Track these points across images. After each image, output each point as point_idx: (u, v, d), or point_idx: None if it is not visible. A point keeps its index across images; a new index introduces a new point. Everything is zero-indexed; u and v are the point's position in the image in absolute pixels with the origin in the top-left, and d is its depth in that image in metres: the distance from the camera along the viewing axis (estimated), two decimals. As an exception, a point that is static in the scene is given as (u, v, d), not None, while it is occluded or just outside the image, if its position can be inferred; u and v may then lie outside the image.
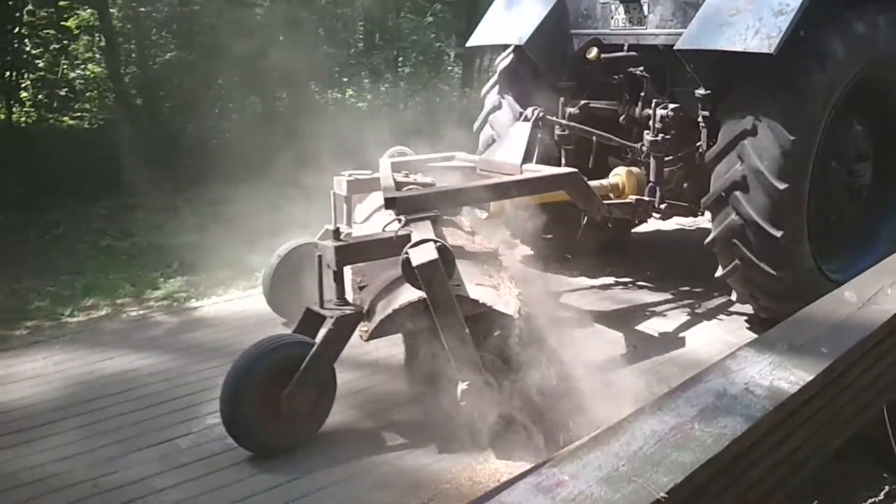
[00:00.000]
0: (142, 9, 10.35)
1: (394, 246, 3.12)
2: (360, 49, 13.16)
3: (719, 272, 4.35)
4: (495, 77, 5.37)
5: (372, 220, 3.97)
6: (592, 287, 5.32)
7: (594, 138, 4.84)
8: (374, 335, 3.14)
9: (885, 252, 3.50)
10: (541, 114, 4.51)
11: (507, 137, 4.54)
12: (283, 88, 11.43)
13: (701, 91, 4.29)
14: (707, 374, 1.87)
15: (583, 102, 5.05)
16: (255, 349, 3.13)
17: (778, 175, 3.87)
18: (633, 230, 6.08)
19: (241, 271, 5.73)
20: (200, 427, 3.48)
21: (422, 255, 2.93)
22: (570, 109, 4.98)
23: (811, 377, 1.89)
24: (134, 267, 6.09)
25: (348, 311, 3.21)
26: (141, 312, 5.06)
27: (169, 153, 8.89)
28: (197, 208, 7.74)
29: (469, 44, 5.69)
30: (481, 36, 5.40)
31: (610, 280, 5.47)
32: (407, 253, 2.97)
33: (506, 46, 5.20)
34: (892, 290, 2.38)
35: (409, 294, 3.06)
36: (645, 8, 4.68)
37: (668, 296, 5.20)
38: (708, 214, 4.44)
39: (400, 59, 13.45)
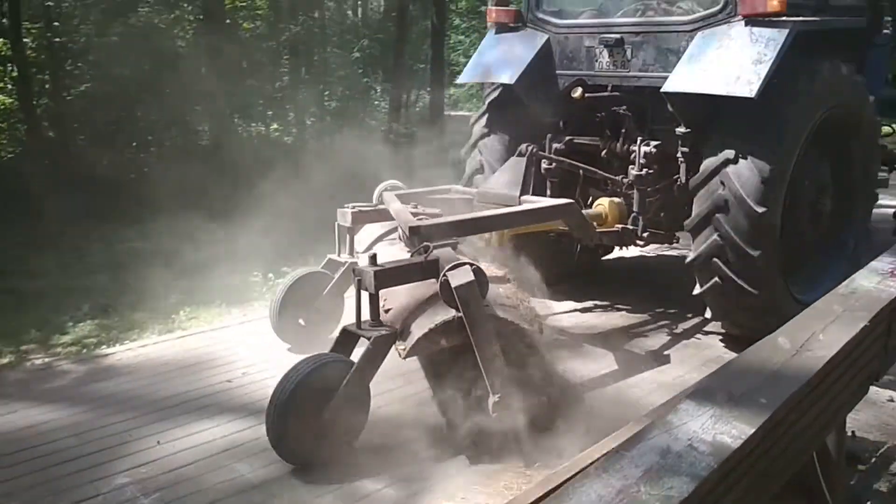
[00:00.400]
0: (57, 39, 9.98)
1: (425, 270, 3.38)
2: (285, 83, 13.01)
3: (697, 290, 4.65)
4: (484, 108, 5.67)
5: (374, 249, 4.17)
6: (576, 310, 5.55)
7: (581, 171, 5.17)
8: (411, 353, 3.32)
9: (840, 275, 3.72)
10: (534, 149, 4.81)
11: (503, 171, 4.84)
12: (204, 121, 11.18)
13: (681, 129, 4.68)
14: (650, 431, 1.81)
15: (567, 138, 5.36)
16: (301, 368, 3.28)
17: (757, 200, 4.24)
18: (603, 258, 6.44)
19: (157, 314, 5.47)
20: (110, 488, 3.23)
21: (460, 276, 3.21)
22: (556, 144, 5.31)
23: (752, 430, 1.85)
24: (40, 310, 5.70)
25: (385, 332, 3.35)
26: (47, 360, 4.71)
27: (83, 188, 8.52)
28: (111, 246, 7.39)
29: (460, 80, 6.06)
30: (473, 73, 5.66)
31: (590, 304, 5.68)
32: (446, 275, 3.23)
33: (498, 85, 5.48)
34: (824, 336, 2.39)
35: (444, 313, 3.30)
36: (628, 52, 5.01)
37: (646, 317, 5.46)
38: (682, 241, 4.96)
39: (326, 93, 13.36)
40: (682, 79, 4.44)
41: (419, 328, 3.33)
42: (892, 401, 4.05)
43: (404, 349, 3.33)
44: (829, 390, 2.40)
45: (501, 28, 5.59)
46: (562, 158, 5.16)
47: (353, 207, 4.44)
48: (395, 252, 3.94)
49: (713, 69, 4.34)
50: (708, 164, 4.47)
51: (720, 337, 5.01)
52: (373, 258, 3.38)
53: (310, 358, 3.37)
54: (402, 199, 4.33)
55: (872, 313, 2.59)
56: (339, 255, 4.58)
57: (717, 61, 4.36)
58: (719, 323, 4.87)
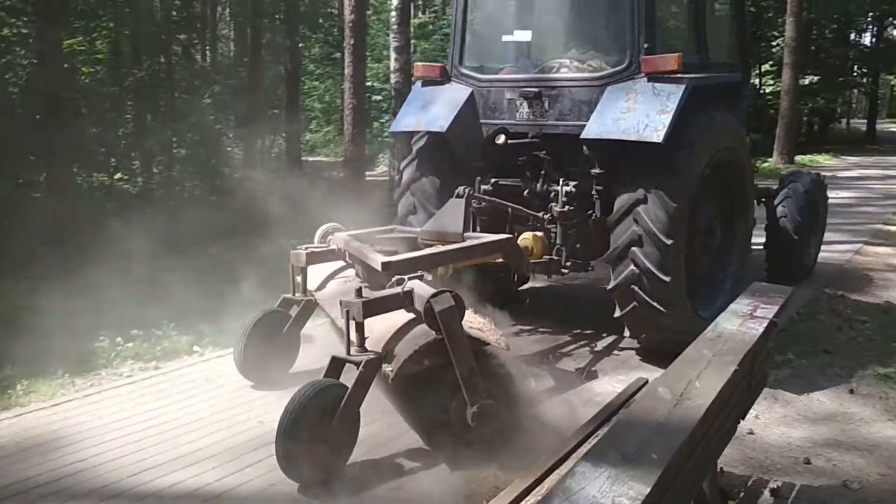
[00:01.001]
0: None
1: (402, 300, 3.72)
2: (130, 130, 12.35)
3: (617, 313, 5.24)
4: (413, 155, 6.08)
5: (328, 285, 4.76)
6: (511, 334, 5.69)
7: (509, 209, 5.59)
8: (399, 374, 3.55)
9: (728, 294, 5.16)
10: (471, 191, 5.35)
11: (445, 211, 5.28)
12: (40, 171, 10.37)
13: (596, 170, 5.30)
14: (552, 499, 1.75)
15: (493, 180, 5.85)
16: (305, 391, 3.55)
17: (665, 234, 4.86)
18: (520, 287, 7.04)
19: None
20: None
21: (442, 303, 3.55)
22: (484, 186, 5.81)
23: (648, 489, 1.84)
24: None
25: (373, 356, 3.62)
26: None
27: None
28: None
29: (392, 130, 6.40)
30: (405, 123, 6.06)
31: (517, 328, 6.00)
32: (430, 302, 3.53)
33: (429, 132, 5.90)
34: (700, 383, 2.44)
35: (425, 336, 3.60)
36: (546, 104, 5.61)
37: (568, 338, 5.94)
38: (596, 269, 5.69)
39: (175, 139, 12.79)
40: (599, 127, 5.06)
41: (404, 351, 3.61)
42: (751, 433, 4.24)
43: (392, 371, 3.57)
44: (707, 435, 2.46)
45: (427, 82, 6.11)
46: (494, 199, 5.64)
47: (306, 249, 4.84)
48: (350, 289, 4.03)
49: (624, 119, 4.96)
50: (622, 202, 5.06)
51: (636, 352, 5.58)
52: (358, 291, 3.65)
53: (310, 383, 3.63)
54: (353, 240, 4.76)
55: (739, 356, 2.70)
56: (293, 294, 4.94)
57: (627, 112, 4.99)
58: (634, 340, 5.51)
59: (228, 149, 15.42)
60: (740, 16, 6.77)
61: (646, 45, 5.15)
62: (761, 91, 23.61)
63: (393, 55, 12.70)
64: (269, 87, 17.20)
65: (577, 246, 5.58)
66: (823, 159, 21.64)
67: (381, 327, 3.75)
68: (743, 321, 3.05)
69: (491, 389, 3.67)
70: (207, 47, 16.18)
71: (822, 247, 8.11)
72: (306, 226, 10.90)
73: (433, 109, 5.86)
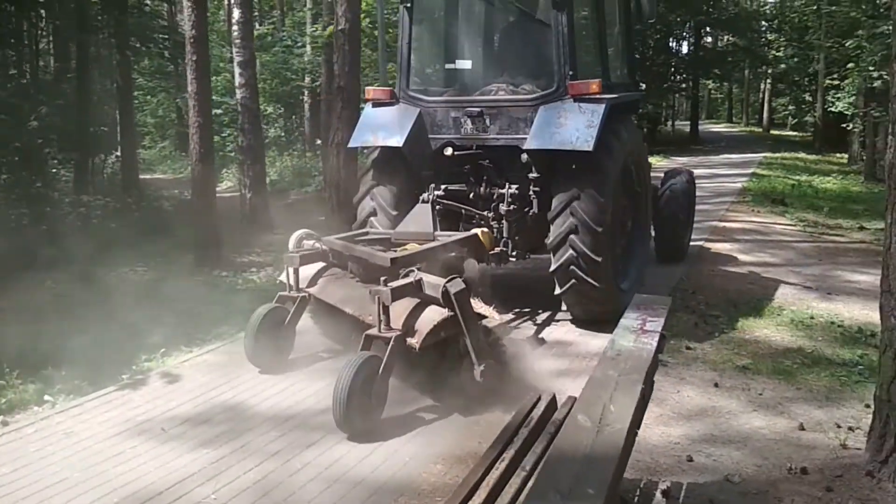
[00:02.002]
0: None
1: (415, 287, 4.72)
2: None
3: (558, 290, 6.21)
4: (369, 165, 6.92)
5: (319, 282, 5.61)
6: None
7: (462, 210, 6.69)
8: (423, 344, 4.50)
9: (637, 272, 6.91)
10: (435, 197, 6.55)
11: (414, 215, 6.26)
12: None
13: (533, 174, 6.32)
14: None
15: (444, 186, 6.73)
16: (353, 361, 4.41)
17: (597, 223, 5.90)
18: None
19: None
20: None
21: (456, 286, 4.54)
22: (436, 192, 6.67)
23: (591, 527, 1.82)
24: None
25: (399, 332, 4.53)
26: None
27: None
28: None
29: (351, 145, 7.18)
30: (362, 139, 6.83)
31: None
32: (445, 287, 4.51)
33: (386, 146, 6.63)
34: (614, 406, 2.47)
35: (440, 313, 4.58)
36: (487, 121, 6.52)
37: (511, 316, 6.66)
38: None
39: (-7, 166, 11.60)
40: (539, 140, 6.08)
41: (424, 326, 4.55)
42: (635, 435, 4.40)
43: (417, 342, 4.51)
44: (624, 455, 2.50)
45: (377, 104, 6.84)
46: (450, 202, 6.64)
47: (298, 252, 5.62)
48: (343, 284, 5.46)
49: (559, 132, 5.99)
50: (559, 199, 6.04)
51: (570, 322, 6.53)
52: (384, 281, 4.53)
53: (358, 355, 4.48)
54: (349, 242, 5.74)
55: (642, 374, 2.76)
56: (289, 292, 5.61)
57: (560, 127, 6.00)
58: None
59: (54, 171, 14.25)
60: (630, 45, 7.82)
61: (570, 73, 6.17)
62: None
63: (237, 70, 12.26)
64: (97, 104, 16.07)
65: (517, 238, 6.55)
66: (655, 160, 23.12)
67: (397, 310, 4.62)
68: (636, 337, 3.14)
69: (490, 352, 4.69)
70: (25, 66, 14.85)
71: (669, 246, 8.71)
72: (149, 249, 10.36)
73: (387, 127, 6.65)
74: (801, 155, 26.83)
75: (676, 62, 33.78)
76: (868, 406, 4.67)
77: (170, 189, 18.32)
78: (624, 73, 7.55)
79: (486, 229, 6.34)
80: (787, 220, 12.50)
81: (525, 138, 6.20)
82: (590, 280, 5.98)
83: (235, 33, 12.30)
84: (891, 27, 16.07)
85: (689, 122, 37.41)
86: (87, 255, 8.58)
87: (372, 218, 6.74)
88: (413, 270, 4.87)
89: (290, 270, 5.53)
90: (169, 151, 28.02)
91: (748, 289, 7.75)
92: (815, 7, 29.10)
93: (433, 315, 4.58)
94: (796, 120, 39.42)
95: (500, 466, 3.00)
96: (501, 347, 4.85)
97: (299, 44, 24.04)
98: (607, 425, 2.35)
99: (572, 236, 5.96)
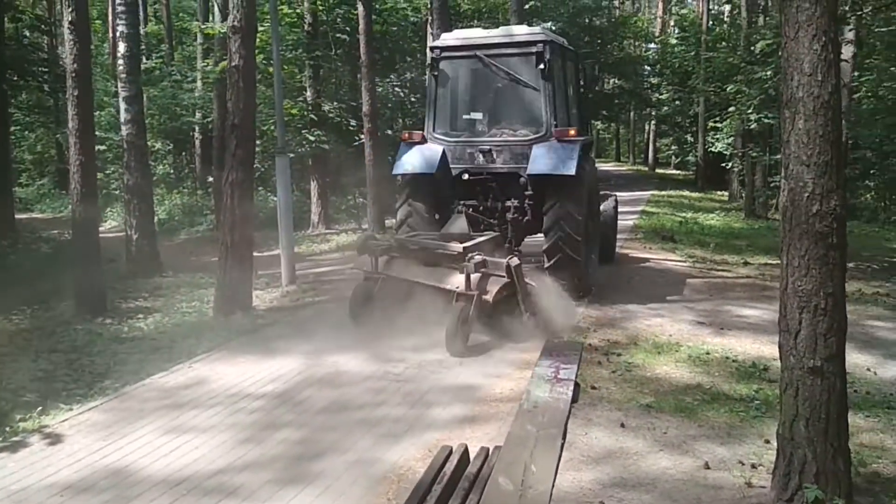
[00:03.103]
0: None
1: (482, 265, 6.95)
2: None
3: (547, 264, 8.54)
4: (405, 184, 9.27)
5: (393, 266, 7.83)
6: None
7: (479, 218, 9.17)
8: (494, 299, 6.89)
9: (594, 262, 9.81)
10: (468, 209, 9.11)
11: (453, 221, 8.87)
12: None
13: (528, 192, 8.86)
14: None
15: (461, 202, 9.18)
16: (454, 310, 6.85)
17: (577, 215, 8.46)
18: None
19: None
20: None
21: (515, 261, 6.98)
22: (460, 207, 9.13)
23: None
24: None
25: (478, 292, 6.92)
26: None
27: None
28: None
29: (395, 172, 9.32)
30: (404, 168, 9.11)
31: None
32: (508, 263, 6.92)
33: (422, 173, 9.00)
34: (535, 466, 2.36)
35: (502, 281, 6.97)
36: (494, 155, 9.04)
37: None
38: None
39: None
40: (536, 168, 8.52)
41: (494, 287, 6.95)
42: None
43: (490, 296, 6.90)
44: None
45: (409, 143, 9.26)
46: (473, 213, 9.15)
47: (378, 244, 7.93)
48: (412, 267, 7.65)
49: (550, 163, 8.46)
50: (551, 201, 8.53)
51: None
52: (470, 258, 6.90)
53: (455, 306, 6.87)
54: (421, 237, 8.32)
55: (561, 427, 2.66)
56: (373, 272, 7.81)
57: (549, 160, 8.49)
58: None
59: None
60: (581, 103, 10.66)
61: (555, 123, 8.78)
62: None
63: (123, 105, 11.71)
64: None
65: (517, 235, 9.19)
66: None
67: (459, 280, 6.97)
68: (552, 386, 3.05)
69: (533, 306, 7.22)
70: None
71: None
72: (25, 296, 9.61)
73: (422, 160, 9.01)
74: (686, 193, 28.11)
75: (567, 103, 34.86)
76: (768, 442, 4.76)
77: (49, 229, 17.29)
78: (580, 122, 10.13)
79: (495, 231, 8.93)
80: (678, 257, 12.95)
81: (523, 167, 8.71)
82: (571, 254, 8.42)
83: (121, 67, 11.76)
84: (768, 73, 17.19)
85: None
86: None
87: (409, 219, 9.13)
88: (475, 255, 6.96)
89: (372, 259, 7.82)
90: (48, 189, 26.57)
91: (646, 325, 7.90)
92: (694, 53, 30.88)
93: (499, 281, 6.97)
94: (679, 159, 41.43)
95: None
96: (538, 302, 7.30)
97: (190, 78, 23.39)
98: (530, 487, 2.23)
99: (561, 221, 8.40)
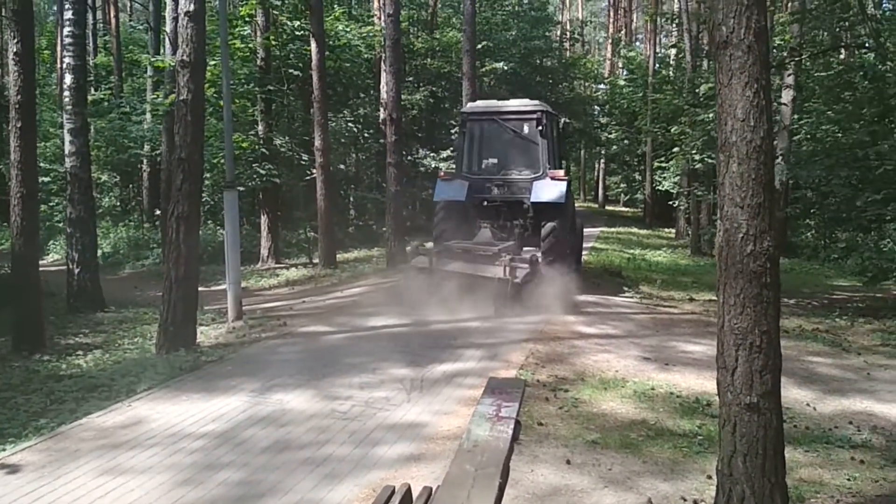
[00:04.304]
0: None
1: (511, 260, 10.51)
2: None
3: (545, 260, 11.40)
4: (440, 207, 12.36)
5: (441, 261, 11.26)
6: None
7: (494, 232, 12.36)
8: (522, 281, 10.37)
9: (578, 262, 14.69)
10: (489, 226, 12.20)
11: (481, 233, 12.05)
12: None
13: (530, 214, 12.05)
14: None
15: (480, 221, 12.24)
16: (497, 288, 10.29)
17: (564, 228, 11.77)
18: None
19: None
20: None
21: (534, 257, 11.17)
22: (483, 224, 12.24)
23: None
24: None
25: (511, 277, 10.22)
26: None
27: None
28: None
29: (436, 199, 12.48)
30: (442, 196, 12.37)
31: None
32: (531, 258, 11.00)
33: (455, 200, 12.30)
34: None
35: (526, 269, 10.60)
36: (505, 188, 12.24)
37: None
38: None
39: None
40: (538, 197, 11.60)
41: (521, 274, 10.39)
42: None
43: (519, 279, 10.27)
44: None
45: (445, 180, 12.66)
46: (492, 229, 12.24)
47: (431, 251, 11.65)
48: (457, 263, 11.00)
49: (546, 193, 11.54)
50: (546, 220, 11.59)
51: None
52: (503, 257, 10.49)
53: (496, 285, 10.24)
54: (462, 242, 11.75)
55: (499, 467, 2.66)
56: (429, 267, 11.11)
57: (546, 191, 11.57)
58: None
59: None
60: (561, 151, 14.34)
61: (549, 166, 12.01)
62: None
63: (68, 137, 11.51)
64: None
65: (519, 246, 11.98)
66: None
67: (497, 270, 10.24)
68: (492, 425, 3.04)
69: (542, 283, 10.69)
70: None
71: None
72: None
73: (455, 190, 12.33)
74: (634, 229, 28.64)
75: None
76: (710, 477, 4.82)
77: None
78: (562, 166, 13.96)
79: (508, 242, 11.99)
80: (626, 293, 13.15)
81: (527, 197, 11.93)
82: (560, 253, 11.62)
83: (67, 99, 11.58)
84: (711, 115, 17.73)
85: (531, 198, 39.05)
86: None
87: (445, 232, 12.13)
88: (504, 255, 10.55)
89: (426, 258, 11.34)
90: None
91: (594, 361, 7.97)
92: (641, 95, 31.68)
93: (525, 268, 10.52)
94: (628, 197, 42.24)
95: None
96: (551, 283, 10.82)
97: (139, 111, 23.11)
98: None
99: (554, 233, 11.54)
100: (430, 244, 13.05)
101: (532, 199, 11.72)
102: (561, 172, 12.08)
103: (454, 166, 13.92)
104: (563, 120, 14.86)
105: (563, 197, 11.53)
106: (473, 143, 12.76)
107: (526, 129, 12.27)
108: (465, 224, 12.27)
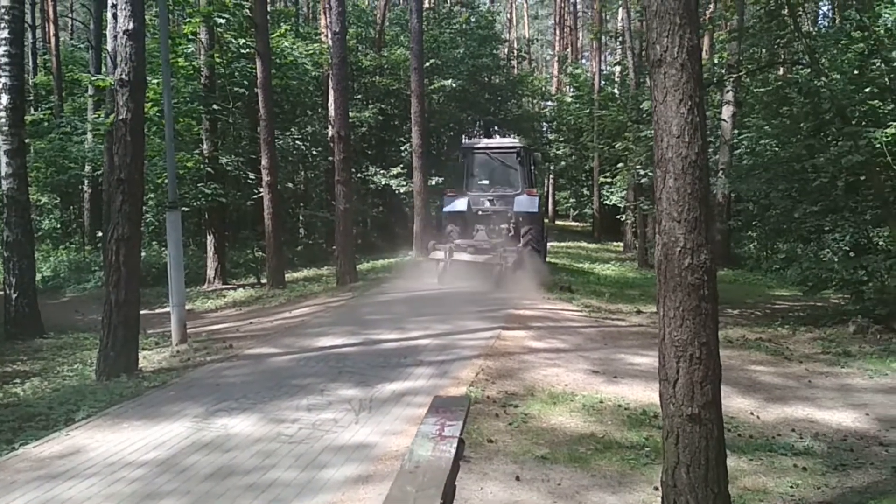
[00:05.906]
0: None
1: (505, 251, 15.56)
2: None
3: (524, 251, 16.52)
4: (446, 214, 17.20)
5: (454, 253, 15.80)
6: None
7: (487, 233, 17.21)
8: (513, 267, 15.15)
9: (544, 259, 19.23)
10: (483, 229, 17.04)
11: (479, 233, 16.85)
12: None
13: (513, 221, 16.74)
14: None
15: (476, 225, 16.99)
16: (495, 271, 15.19)
17: (537, 230, 16.97)
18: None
19: None
20: None
21: (523, 248, 16.35)
22: (479, 227, 16.94)
23: None
24: None
25: (504, 263, 15.17)
26: None
27: None
28: None
29: (444, 211, 17.22)
30: (450, 208, 17.05)
31: None
32: (518, 248, 16.05)
33: (460, 210, 17.05)
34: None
35: (515, 256, 15.40)
36: (495, 202, 17.09)
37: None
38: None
39: None
40: (519, 208, 16.55)
41: (511, 260, 15.14)
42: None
43: (510, 266, 15.04)
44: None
45: (451, 196, 17.42)
46: (486, 232, 16.92)
47: (444, 246, 15.86)
48: (465, 254, 15.75)
49: (525, 205, 16.62)
50: (525, 228, 16.56)
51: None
52: (501, 248, 15.74)
53: (496, 268, 15.13)
54: (464, 241, 16.41)
55: (440, 487, 2.63)
56: (444, 257, 15.57)
57: (526, 204, 16.65)
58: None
59: None
60: (535, 171, 19.83)
61: (526, 186, 17.07)
62: (396, 191, 25.53)
63: (4, 159, 11.18)
64: None
65: (504, 244, 15.91)
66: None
67: (496, 258, 15.25)
68: (434, 445, 3.01)
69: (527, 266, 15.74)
70: None
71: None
72: None
73: (459, 203, 16.94)
74: (583, 244, 29.02)
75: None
76: (657, 489, 4.85)
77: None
78: (534, 185, 18.14)
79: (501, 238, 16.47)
80: (574, 307, 13.27)
81: (510, 208, 16.42)
82: (534, 248, 16.24)
83: (3, 120, 11.25)
84: (652, 131, 18.16)
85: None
86: None
87: (451, 233, 16.46)
88: (499, 248, 15.28)
89: (441, 252, 15.44)
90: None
91: (543, 375, 8.00)
92: (587, 111, 32.19)
93: (514, 256, 15.12)
94: (577, 211, 42.77)
95: None
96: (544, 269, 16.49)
97: (80, 130, 22.60)
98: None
99: (530, 233, 16.16)
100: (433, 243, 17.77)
101: (514, 209, 16.47)
102: (534, 190, 17.38)
103: (455, 185, 19.31)
104: (536, 154, 20.69)
105: (536, 207, 16.76)
106: (472, 169, 17.78)
107: (509, 159, 17.39)
108: (466, 228, 16.88)
